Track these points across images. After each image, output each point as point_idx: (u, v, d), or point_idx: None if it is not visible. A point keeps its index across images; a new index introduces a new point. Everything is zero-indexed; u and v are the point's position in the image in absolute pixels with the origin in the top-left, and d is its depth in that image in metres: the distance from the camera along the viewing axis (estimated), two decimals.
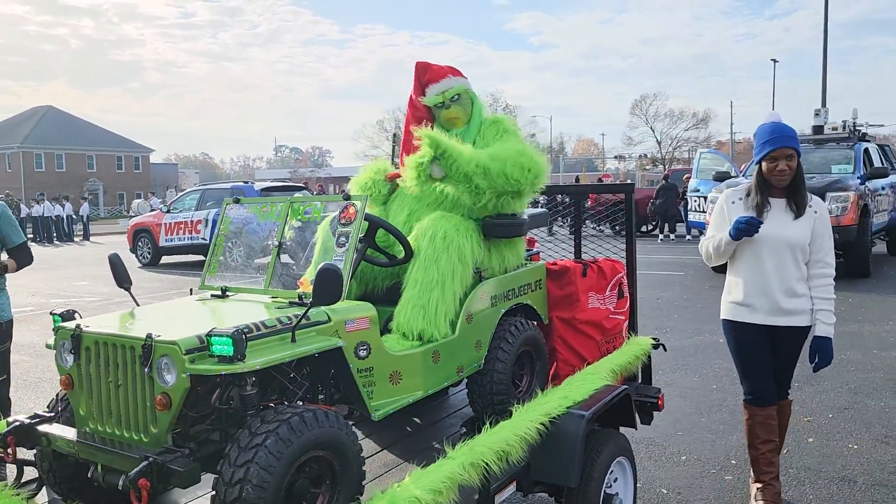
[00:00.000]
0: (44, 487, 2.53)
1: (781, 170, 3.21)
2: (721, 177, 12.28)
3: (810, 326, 3.34)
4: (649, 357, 3.77)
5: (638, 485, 3.79)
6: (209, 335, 2.01)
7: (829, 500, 3.61)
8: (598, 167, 74.12)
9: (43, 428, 2.32)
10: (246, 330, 2.08)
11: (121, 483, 1.97)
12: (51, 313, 2.41)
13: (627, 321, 3.77)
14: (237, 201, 2.97)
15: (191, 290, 2.90)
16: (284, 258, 2.73)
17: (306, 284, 2.53)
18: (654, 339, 3.80)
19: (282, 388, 2.37)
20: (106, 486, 2.16)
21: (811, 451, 4.25)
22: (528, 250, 3.55)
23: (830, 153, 12.37)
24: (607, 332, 3.56)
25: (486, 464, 2.40)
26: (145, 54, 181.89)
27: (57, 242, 26.35)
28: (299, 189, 17.23)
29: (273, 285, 2.66)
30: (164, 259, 16.54)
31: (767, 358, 3.38)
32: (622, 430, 3.27)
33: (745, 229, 3.18)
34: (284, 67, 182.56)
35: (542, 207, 4.87)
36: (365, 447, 2.84)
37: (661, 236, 19.16)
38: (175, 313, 2.54)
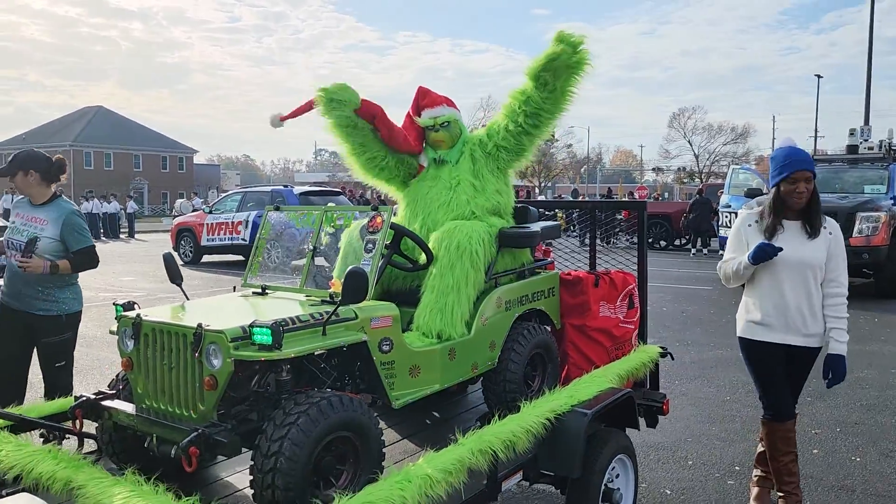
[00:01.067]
0: (101, 459, 2.85)
1: (801, 192, 3.36)
2: (752, 193, 12.30)
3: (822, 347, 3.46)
4: (657, 364, 3.98)
5: (644, 485, 4.02)
6: (252, 326, 2.32)
7: None
8: (636, 179, 73.65)
9: (106, 403, 2.66)
10: (283, 323, 2.38)
11: (173, 451, 2.27)
12: (113, 304, 2.74)
13: (637, 330, 4.00)
14: (277, 209, 3.29)
15: (234, 287, 3.22)
16: (318, 261, 3.03)
17: (337, 285, 2.82)
18: (661, 347, 4.01)
19: (313, 377, 2.67)
20: (159, 455, 2.47)
21: (814, 461, 4.42)
22: (541, 260, 3.82)
23: (865, 173, 12.33)
24: (617, 340, 3.80)
25: (494, 451, 2.65)
26: (192, 57, 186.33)
27: (104, 239, 27.23)
28: (336, 194, 17.66)
29: (308, 285, 2.97)
30: (206, 258, 17.09)
31: (785, 374, 3.51)
32: (629, 431, 3.50)
33: (763, 255, 3.32)
34: (326, 73, 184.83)
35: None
36: (388, 436, 3.15)
37: (693, 251, 19.17)
38: (221, 307, 2.86)
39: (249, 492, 2.33)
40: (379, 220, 2.93)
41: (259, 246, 3.27)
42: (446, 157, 3.59)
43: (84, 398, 2.69)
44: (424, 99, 3.62)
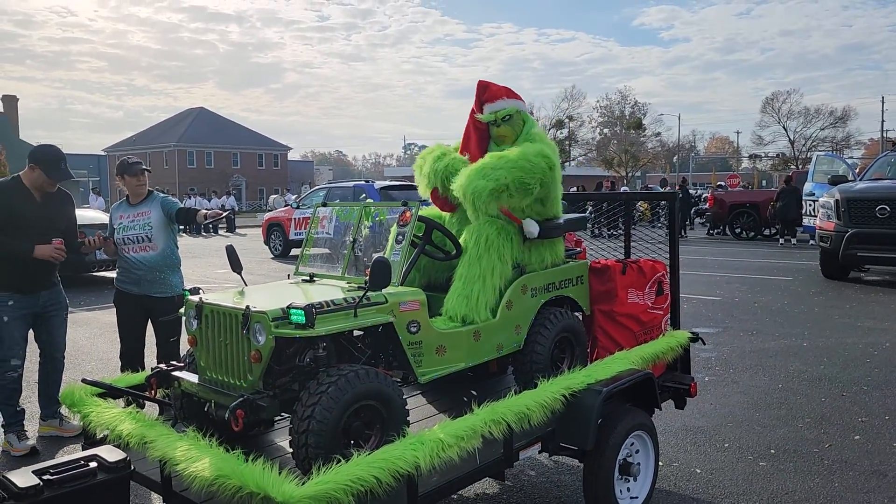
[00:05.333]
0: (177, 424, 3.33)
1: None
2: (836, 180, 11.94)
3: None
4: (687, 349, 4.15)
5: (676, 464, 4.22)
6: (288, 308, 2.71)
7: (853, 490, 3.86)
8: (732, 167, 71.08)
9: (176, 374, 3.12)
10: (317, 305, 2.76)
11: (226, 414, 2.70)
12: (182, 290, 3.20)
13: (668, 316, 4.18)
14: (324, 205, 3.69)
15: (288, 275, 3.63)
16: (358, 251, 3.40)
17: None
18: (692, 333, 4.18)
19: (350, 354, 3.04)
20: (216, 418, 2.91)
21: (852, 447, 4.46)
22: (571, 249, 4.06)
23: None
24: (644, 325, 4.00)
25: (507, 422, 2.94)
26: (284, 56, 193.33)
27: (204, 234, 28.87)
28: (414, 188, 18.13)
29: (348, 273, 3.35)
30: (294, 251, 17.95)
31: None
32: (669, 414, 3.68)
33: None
34: (411, 67, 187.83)
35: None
36: (424, 411, 3.49)
37: (781, 241, 18.57)
38: (271, 292, 3.27)
39: (290, 450, 2.72)
40: (408, 214, 3.27)
41: (309, 238, 3.68)
42: None
43: (158, 369, 3.17)
44: (485, 93, 3.65)
